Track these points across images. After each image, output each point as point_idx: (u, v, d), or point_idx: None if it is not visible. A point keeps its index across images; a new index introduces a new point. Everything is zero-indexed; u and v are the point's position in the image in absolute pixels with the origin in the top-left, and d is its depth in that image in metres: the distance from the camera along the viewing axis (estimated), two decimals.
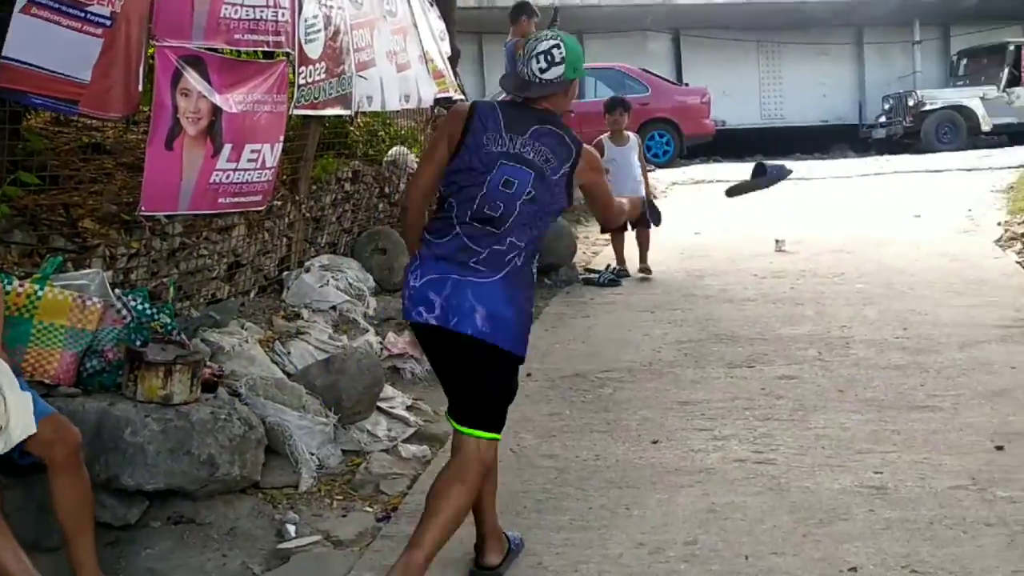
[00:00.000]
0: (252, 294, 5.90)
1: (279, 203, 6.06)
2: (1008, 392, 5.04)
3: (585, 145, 3.28)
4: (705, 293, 7.75)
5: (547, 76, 3.18)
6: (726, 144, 19.17)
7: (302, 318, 5.70)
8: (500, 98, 3.68)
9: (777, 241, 9.21)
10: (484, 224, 3.10)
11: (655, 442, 4.59)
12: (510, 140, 3.15)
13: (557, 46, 3.19)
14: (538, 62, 3.18)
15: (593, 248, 9.93)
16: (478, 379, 3.16)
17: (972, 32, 23.33)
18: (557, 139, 3.19)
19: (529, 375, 5.72)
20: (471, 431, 3.16)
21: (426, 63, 8.31)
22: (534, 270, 3.29)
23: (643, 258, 8.48)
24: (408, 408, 5.13)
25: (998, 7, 22.65)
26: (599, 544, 3.61)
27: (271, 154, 5.38)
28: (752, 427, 4.74)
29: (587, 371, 5.78)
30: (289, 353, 5.19)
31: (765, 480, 4.11)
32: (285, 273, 6.18)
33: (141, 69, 4.37)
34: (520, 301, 3.15)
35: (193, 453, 3.72)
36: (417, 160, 8.34)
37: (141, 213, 4.66)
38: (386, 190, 7.77)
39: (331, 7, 6.29)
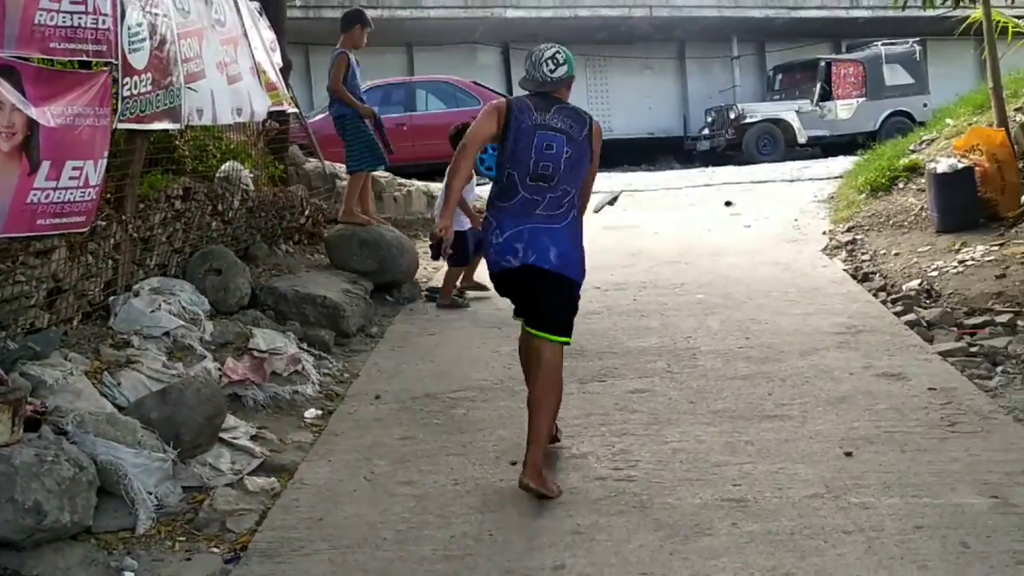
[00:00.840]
0: (75, 322, 5.49)
1: (103, 223, 5.67)
2: (850, 398, 5.17)
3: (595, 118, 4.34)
4: None
5: (556, 75, 4.28)
6: None
7: (132, 346, 5.34)
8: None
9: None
10: (540, 181, 4.15)
11: (513, 463, 4.46)
12: (540, 116, 4.19)
13: (559, 51, 4.30)
14: (547, 65, 4.27)
15: (435, 264, 9.77)
16: (550, 299, 4.22)
17: (785, 49, 24.48)
18: (573, 112, 4.27)
19: (378, 397, 5.54)
20: (547, 335, 4.21)
21: (258, 75, 8.03)
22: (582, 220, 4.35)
23: (468, 276, 8.21)
24: (253, 438, 4.87)
25: (808, 26, 23.86)
26: (465, 574, 3.48)
27: (95, 171, 5.04)
28: (609, 443, 4.70)
29: (438, 392, 5.62)
30: (120, 384, 4.86)
31: (627, 498, 4.07)
32: (112, 298, 5.78)
33: None
34: (580, 242, 4.28)
35: (17, 500, 3.47)
36: (251, 175, 8.05)
37: None
38: (219, 207, 7.40)
39: (156, 15, 5.97)
